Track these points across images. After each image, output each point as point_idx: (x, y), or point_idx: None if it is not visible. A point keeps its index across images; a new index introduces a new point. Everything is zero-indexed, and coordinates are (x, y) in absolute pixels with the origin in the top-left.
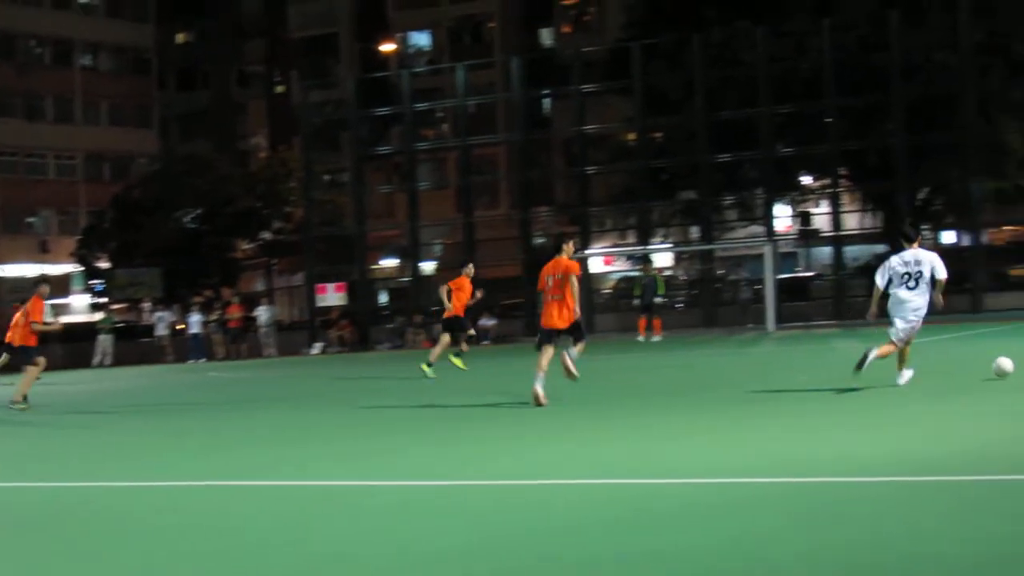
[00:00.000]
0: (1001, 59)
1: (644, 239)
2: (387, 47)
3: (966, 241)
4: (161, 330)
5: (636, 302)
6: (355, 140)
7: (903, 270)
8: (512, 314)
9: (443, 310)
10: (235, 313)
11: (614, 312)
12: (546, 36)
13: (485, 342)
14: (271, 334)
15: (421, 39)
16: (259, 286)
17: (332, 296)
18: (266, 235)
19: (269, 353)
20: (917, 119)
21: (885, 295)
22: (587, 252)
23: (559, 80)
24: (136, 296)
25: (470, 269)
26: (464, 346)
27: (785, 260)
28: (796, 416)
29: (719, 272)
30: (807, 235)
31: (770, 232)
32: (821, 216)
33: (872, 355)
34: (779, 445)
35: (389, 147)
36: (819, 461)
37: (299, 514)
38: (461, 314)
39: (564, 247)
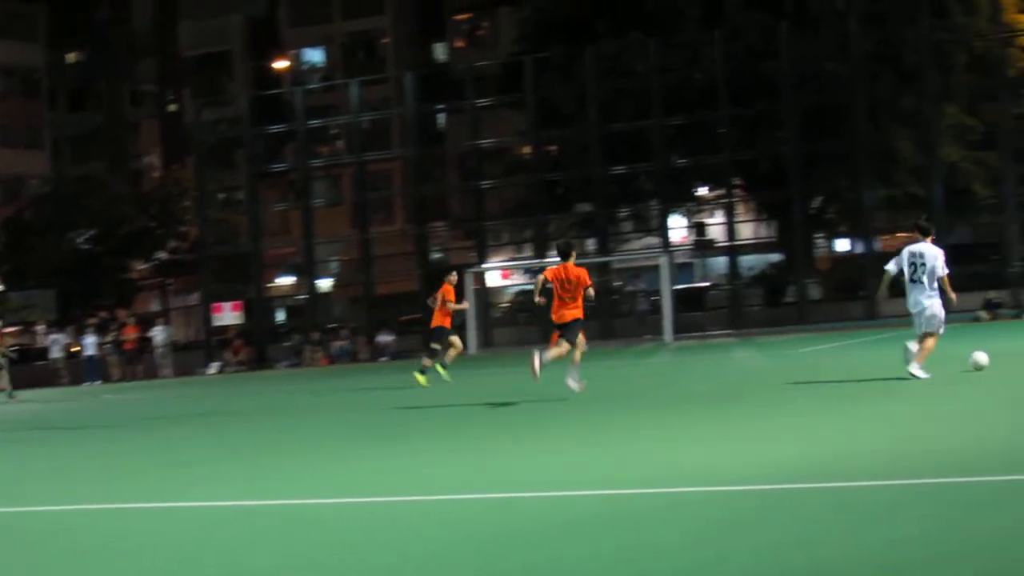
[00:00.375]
0: (890, 68)
1: (540, 252)
2: (281, 64)
3: (860, 248)
4: (56, 352)
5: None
6: (249, 158)
7: (910, 260)
8: (411, 330)
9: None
10: (130, 334)
11: (511, 326)
12: (440, 51)
13: (383, 359)
14: (167, 355)
15: (315, 56)
16: (155, 306)
17: (228, 315)
18: (161, 255)
19: (165, 374)
20: (809, 128)
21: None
22: (484, 266)
23: (453, 95)
24: (29, 319)
25: (453, 277)
26: (426, 361)
27: (681, 271)
28: (688, 426)
29: (616, 284)
30: (702, 246)
31: (666, 243)
32: (716, 226)
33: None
34: (669, 456)
35: (284, 164)
36: (709, 470)
37: (195, 535)
38: (447, 324)
39: (572, 253)
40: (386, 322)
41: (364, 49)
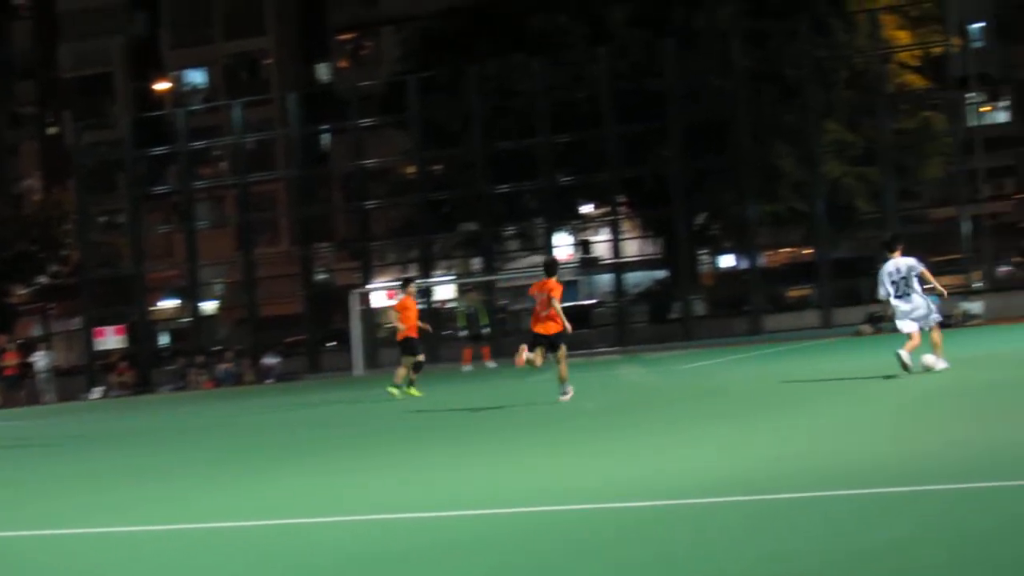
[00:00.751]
0: (773, 84)
1: (426, 271)
2: (162, 86)
3: (744, 264)
4: None
5: (462, 333)
6: (131, 180)
7: (891, 280)
8: (296, 352)
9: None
10: (11, 360)
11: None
12: (323, 71)
13: (269, 381)
14: (49, 380)
15: (197, 77)
16: (36, 331)
17: (111, 339)
18: (42, 279)
19: (47, 400)
20: (693, 144)
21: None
22: (368, 287)
23: (337, 115)
24: None
25: (412, 288)
26: (412, 373)
27: (567, 288)
28: (575, 443)
29: (502, 303)
30: (588, 263)
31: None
32: (601, 244)
33: (903, 355)
34: (552, 473)
35: (166, 186)
36: (586, 489)
37: (79, 564)
38: (414, 335)
39: (551, 270)
40: (271, 344)
41: (247, 70)
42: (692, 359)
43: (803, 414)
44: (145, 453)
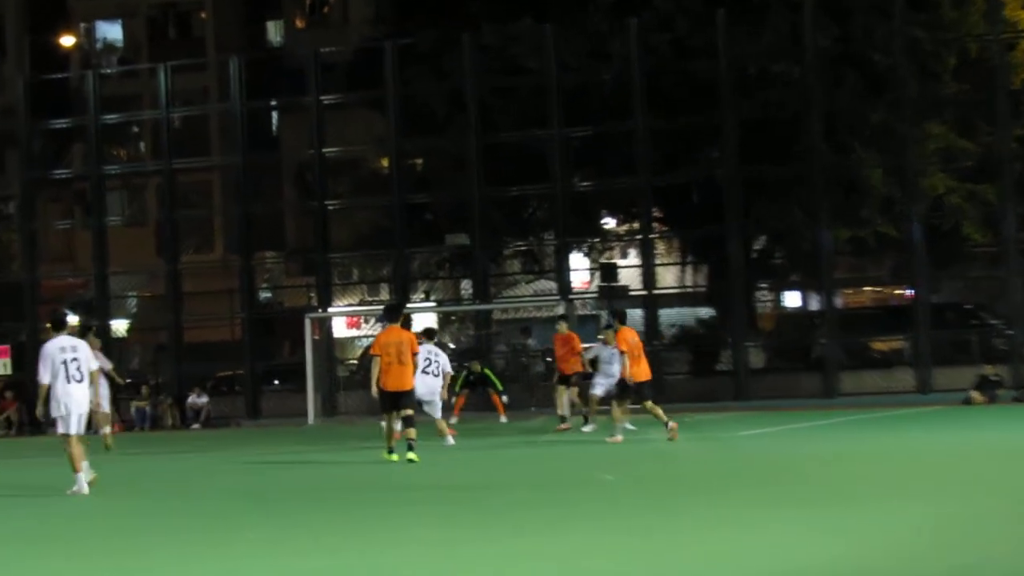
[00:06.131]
0: (856, 72)
1: (401, 295)
2: (67, 41)
3: (814, 304)
4: None
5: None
6: (24, 160)
7: None
8: (230, 390)
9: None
10: None
11: (362, 389)
12: (274, 32)
13: (195, 426)
14: None
15: (111, 31)
16: None
17: None
18: None
19: None
20: (751, 146)
21: None
22: (331, 310)
23: (291, 88)
24: None
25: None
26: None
27: (583, 325)
28: (586, 530)
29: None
30: (611, 293)
31: (564, 288)
32: (629, 269)
33: None
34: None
35: (69, 171)
36: None
37: None
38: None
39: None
40: (199, 379)
41: (176, 26)
42: (747, 424)
43: (912, 503)
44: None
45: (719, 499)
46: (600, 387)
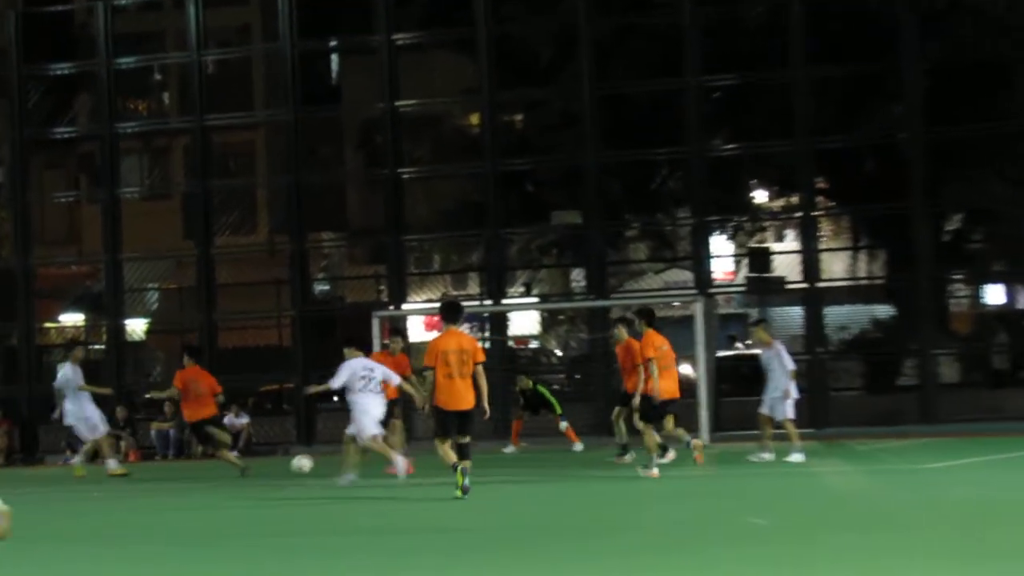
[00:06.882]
0: None
1: (496, 288)
2: None
3: (1023, 302)
4: None
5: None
6: (16, 116)
7: None
8: (276, 408)
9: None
10: None
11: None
12: None
13: (232, 453)
14: None
15: None
16: None
17: None
18: None
19: None
20: (942, 101)
21: None
22: (405, 307)
23: (356, 25)
24: None
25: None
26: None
27: (726, 327)
28: None
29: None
30: (763, 287)
31: (702, 280)
32: (785, 256)
33: None
34: None
35: (73, 129)
36: None
37: None
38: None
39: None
40: (238, 393)
41: None
42: (936, 454)
43: None
44: None
45: (898, 549)
46: (770, 406)
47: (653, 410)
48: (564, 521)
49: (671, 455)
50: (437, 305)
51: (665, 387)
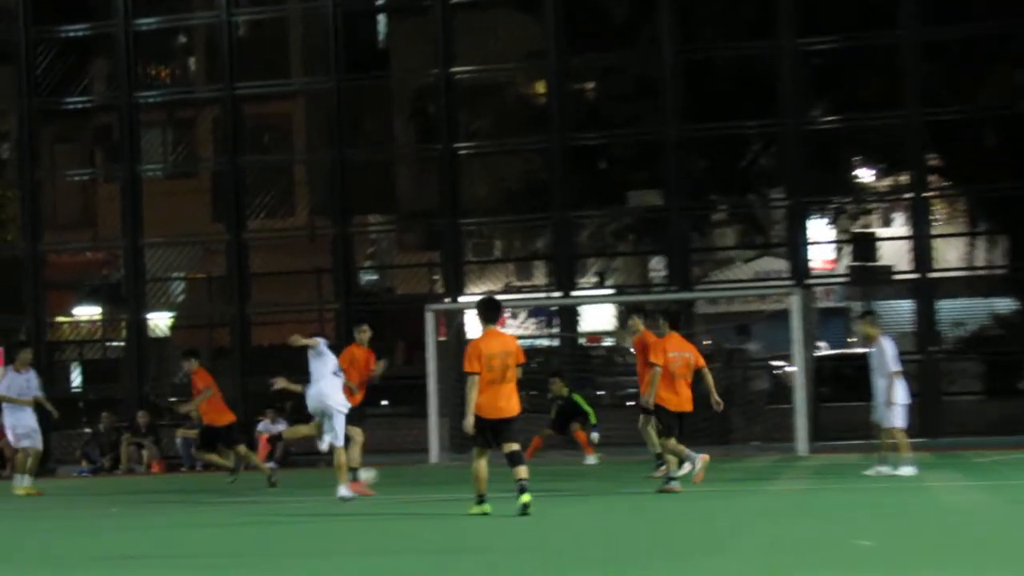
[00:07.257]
0: None
1: (565, 279)
2: None
3: None
4: None
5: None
6: (25, 84)
7: None
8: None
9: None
10: None
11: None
12: None
13: (269, 464)
14: None
15: None
16: None
17: None
18: None
19: None
20: None
21: None
22: (462, 300)
23: None
24: None
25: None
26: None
27: (827, 322)
28: None
29: (704, 343)
30: (867, 276)
31: (799, 270)
32: (893, 242)
33: None
34: None
35: (88, 98)
36: None
37: None
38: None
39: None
40: (274, 397)
41: None
42: None
43: None
44: None
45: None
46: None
47: (671, 422)
48: (651, 542)
49: (687, 467)
50: (501, 297)
51: (667, 398)
